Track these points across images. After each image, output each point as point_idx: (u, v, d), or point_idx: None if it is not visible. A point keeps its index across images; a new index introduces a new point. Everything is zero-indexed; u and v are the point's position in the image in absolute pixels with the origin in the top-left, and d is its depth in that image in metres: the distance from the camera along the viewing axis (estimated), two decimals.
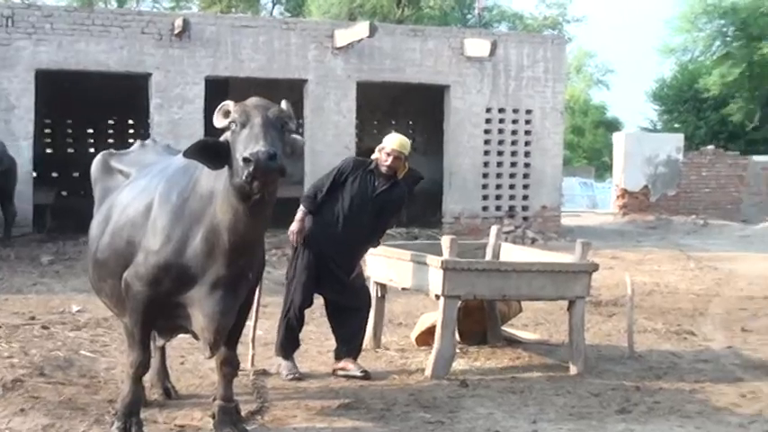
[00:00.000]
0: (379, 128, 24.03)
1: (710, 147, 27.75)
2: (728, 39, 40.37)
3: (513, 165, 19.92)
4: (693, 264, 16.32)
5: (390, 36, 18.71)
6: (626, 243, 19.78)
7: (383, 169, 7.42)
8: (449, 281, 7.26)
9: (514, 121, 19.81)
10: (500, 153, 19.77)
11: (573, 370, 7.77)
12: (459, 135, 19.34)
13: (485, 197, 19.62)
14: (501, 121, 19.70)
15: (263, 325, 9.15)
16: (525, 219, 20.00)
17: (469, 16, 43.02)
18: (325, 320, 10.03)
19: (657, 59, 56.30)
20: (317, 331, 9.24)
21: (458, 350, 8.18)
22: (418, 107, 22.83)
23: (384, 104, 23.30)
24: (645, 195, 25.66)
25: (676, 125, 39.99)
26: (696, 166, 26.24)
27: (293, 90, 18.36)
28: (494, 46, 18.48)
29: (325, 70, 18.27)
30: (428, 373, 7.46)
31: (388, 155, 7.39)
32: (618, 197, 26.04)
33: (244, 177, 4.93)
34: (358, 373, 7.34)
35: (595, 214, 27.73)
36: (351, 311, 7.55)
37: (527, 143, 19.96)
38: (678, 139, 26.87)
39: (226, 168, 5.15)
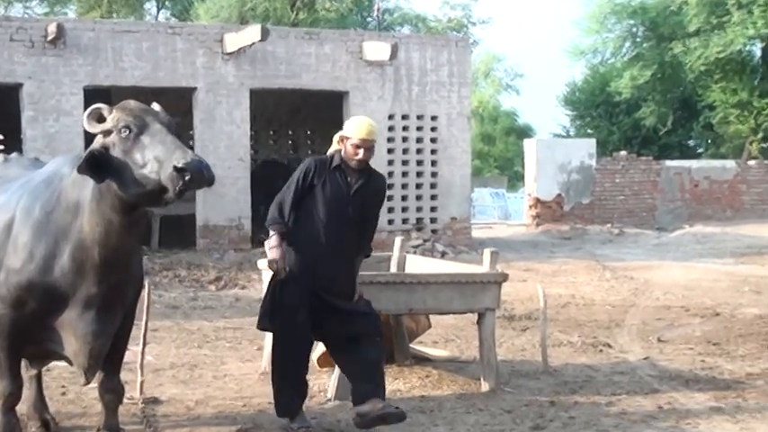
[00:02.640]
0: (275, 138, 24.02)
1: (623, 152, 28.31)
2: (638, 39, 41.31)
3: (420, 174, 20.04)
4: (609, 274, 16.67)
5: (284, 40, 18.71)
6: (540, 254, 20.11)
7: (353, 164, 6.60)
8: None
9: (419, 128, 19.93)
10: (405, 162, 19.88)
11: (485, 386, 7.86)
12: None
13: (390, 210, 19.66)
14: (405, 128, 19.80)
15: (152, 350, 9.12)
16: (434, 231, 20.15)
17: (369, 19, 43.30)
18: (222, 342, 10.14)
19: (568, 62, 57.38)
20: (212, 355, 9.20)
21: None
22: (317, 116, 22.85)
23: (281, 113, 23.28)
24: (558, 204, 26.03)
25: (589, 130, 40.75)
26: (610, 172, 26.74)
27: (182, 98, 18.28)
28: (394, 49, 18.57)
29: (216, 77, 18.17)
30: (330, 395, 7.48)
31: (357, 147, 6.55)
32: (530, 207, 26.29)
33: (176, 188, 4.88)
34: (393, 411, 6.38)
35: (508, 225, 28.10)
36: (363, 341, 6.57)
37: (433, 151, 20.10)
38: (590, 144, 27.30)
39: (89, 179, 5.04)
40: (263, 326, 6.72)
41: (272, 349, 6.74)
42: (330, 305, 6.51)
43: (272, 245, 6.54)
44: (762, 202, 27.91)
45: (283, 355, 6.53)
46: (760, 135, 36.65)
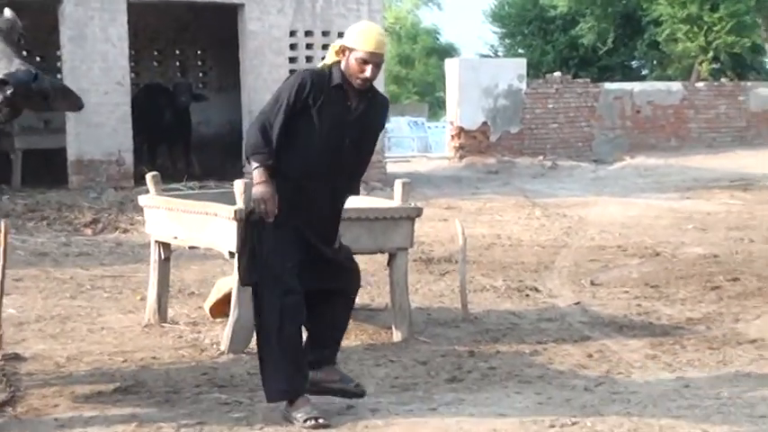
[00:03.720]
0: (160, 59, 23.70)
1: (557, 74, 28.40)
2: None
3: None
4: (539, 212, 16.90)
5: None
6: (463, 191, 20.28)
7: (357, 83, 5.92)
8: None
9: (324, 47, 19.85)
10: None
11: (397, 336, 8.00)
12: (259, 66, 19.29)
13: None
14: (309, 46, 19.71)
15: (15, 302, 9.11)
16: None
17: None
18: (99, 292, 10.14)
19: None
20: (88, 306, 9.24)
21: None
22: (210, 33, 22.58)
23: (166, 30, 22.96)
24: (484, 134, 26.09)
25: (520, 50, 40.90)
26: (542, 96, 26.76)
27: (45, 13, 17.92)
28: None
29: None
30: (224, 347, 7.56)
31: (365, 62, 5.86)
32: (453, 137, 26.26)
33: None
34: (352, 389, 6.14)
35: (428, 159, 28.15)
36: (337, 299, 6.20)
37: None
38: (520, 65, 27.30)
39: None
40: (249, 280, 6.08)
41: (258, 313, 6.01)
42: (313, 252, 6.00)
43: (257, 180, 5.88)
44: (711, 130, 28.22)
45: (278, 317, 5.84)
46: (710, 54, 37.06)
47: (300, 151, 5.92)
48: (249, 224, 6.06)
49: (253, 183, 5.92)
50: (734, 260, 11.86)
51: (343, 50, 5.92)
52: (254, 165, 5.89)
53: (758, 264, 11.50)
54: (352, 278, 6.28)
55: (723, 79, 31.95)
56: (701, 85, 29.84)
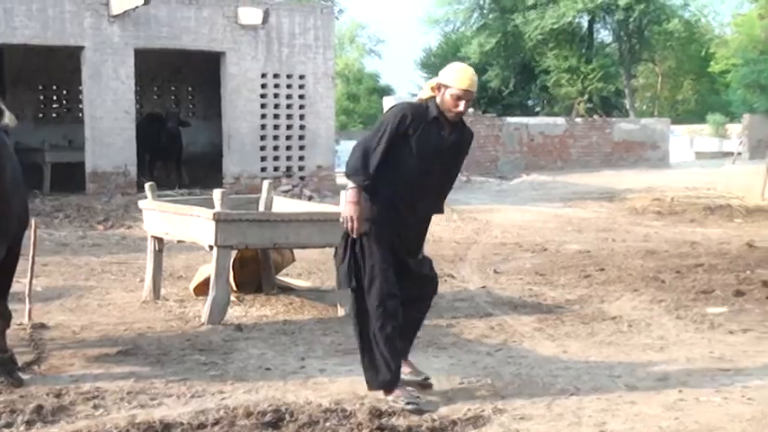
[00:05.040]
0: (159, 93, 23.57)
1: (471, 110, 28.66)
2: (485, 11, 41.86)
3: (289, 127, 19.99)
4: (456, 216, 16.88)
5: (166, 5, 18.31)
6: None
7: (451, 116, 5.41)
8: (221, 231, 7.29)
9: (289, 86, 19.84)
10: (276, 116, 19.80)
11: (341, 312, 7.94)
12: (237, 100, 19.22)
13: (263, 158, 19.63)
14: (276, 86, 19.70)
15: (41, 282, 8.98)
16: (302, 178, 20.14)
17: None
18: (107, 275, 10.01)
19: (424, 30, 57.73)
20: (98, 286, 9.12)
21: (234, 298, 8.28)
22: (198, 74, 22.46)
23: (164, 71, 22.82)
24: None
25: None
26: None
27: (71, 57, 17.77)
28: (266, 15, 18.51)
29: (102, 37, 17.68)
30: (204, 319, 7.49)
31: (459, 98, 5.34)
32: None
33: None
34: (419, 380, 5.68)
35: None
36: (419, 303, 5.73)
37: (301, 107, 20.06)
38: None
39: None
40: (349, 285, 5.45)
41: (359, 314, 5.44)
42: (402, 263, 5.48)
43: (349, 199, 5.33)
44: (586, 154, 28.61)
45: (381, 318, 5.31)
46: (586, 96, 37.67)
47: (397, 174, 5.33)
48: (350, 237, 5.38)
49: (346, 200, 5.36)
50: (601, 254, 11.93)
51: (438, 87, 5.40)
52: (351, 185, 5.34)
53: (618, 257, 11.57)
54: (431, 286, 5.75)
55: (595, 116, 32.30)
56: (579, 120, 30.26)
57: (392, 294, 5.32)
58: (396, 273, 5.37)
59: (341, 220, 5.40)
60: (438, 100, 5.40)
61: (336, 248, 7.85)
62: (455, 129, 5.47)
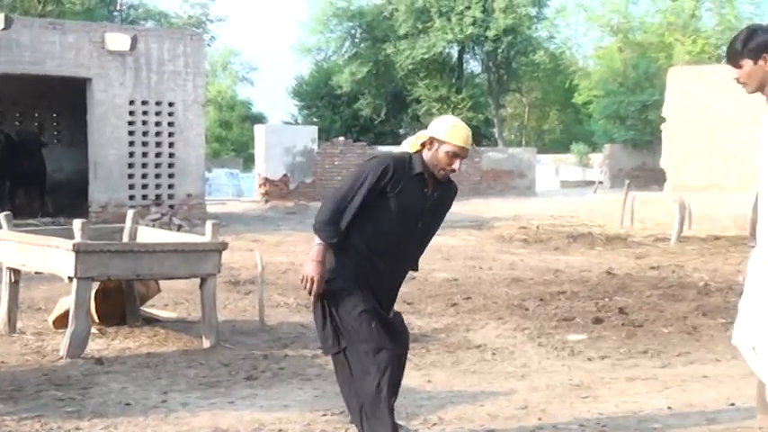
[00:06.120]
0: (21, 119, 22.88)
1: (342, 138, 29.02)
2: (357, 40, 42.30)
3: (158, 155, 19.76)
4: None
5: (29, 29, 17.89)
6: (267, 227, 20.18)
7: (440, 174, 4.90)
8: (81, 263, 7.08)
9: (158, 113, 19.63)
10: (145, 144, 19.54)
11: (206, 343, 7.82)
12: (104, 126, 18.86)
13: (131, 186, 19.32)
14: (144, 113, 19.47)
15: None
16: (171, 207, 19.88)
17: (115, 13, 41.93)
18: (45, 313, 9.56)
19: (296, 58, 57.95)
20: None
21: (96, 331, 8.06)
22: (64, 99, 21.94)
23: (27, 96, 22.17)
24: (284, 183, 26.38)
25: (315, 119, 41.31)
26: (329, 155, 27.35)
27: None
28: (134, 40, 18.31)
29: None
30: (63, 353, 7.25)
31: (454, 156, 4.84)
32: (260, 185, 26.69)
33: None
34: None
35: (240, 202, 28.06)
36: (399, 357, 5.04)
37: (171, 134, 19.86)
38: (313, 131, 27.95)
39: None
40: (337, 348, 4.83)
41: (355, 376, 4.82)
42: (381, 315, 4.91)
43: (312, 257, 4.75)
44: (456, 183, 29.06)
45: (376, 373, 4.73)
46: None
47: (373, 230, 4.79)
48: (324, 297, 4.81)
49: (309, 258, 4.77)
50: (468, 282, 12.04)
51: (431, 142, 4.84)
52: (317, 240, 4.77)
53: (485, 285, 11.72)
54: (406, 340, 5.10)
55: None
56: None
57: (383, 347, 4.76)
58: (381, 324, 4.85)
59: (300, 277, 4.88)
60: (427, 156, 4.87)
61: (202, 279, 7.83)
62: (439, 186, 4.95)
